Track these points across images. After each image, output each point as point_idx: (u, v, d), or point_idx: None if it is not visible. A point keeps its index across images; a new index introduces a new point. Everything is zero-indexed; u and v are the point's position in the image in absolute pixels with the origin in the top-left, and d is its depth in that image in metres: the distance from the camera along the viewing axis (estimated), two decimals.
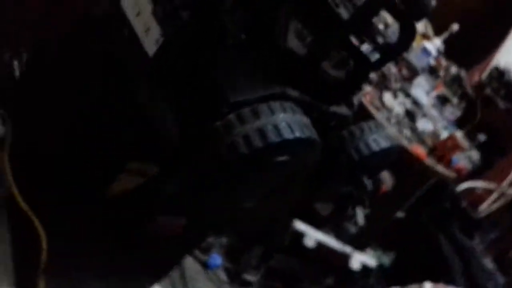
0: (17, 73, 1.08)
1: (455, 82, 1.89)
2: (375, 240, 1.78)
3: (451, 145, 1.40)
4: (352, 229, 1.81)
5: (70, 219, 0.85)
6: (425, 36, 1.92)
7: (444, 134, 1.49)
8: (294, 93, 0.75)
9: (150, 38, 0.75)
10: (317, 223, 1.78)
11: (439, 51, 2.01)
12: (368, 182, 0.97)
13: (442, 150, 1.40)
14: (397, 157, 1.00)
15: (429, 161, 1.40)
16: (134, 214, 0.91)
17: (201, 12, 0.70)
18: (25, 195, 0.89)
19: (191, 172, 0.69)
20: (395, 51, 0.81)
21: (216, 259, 1.48)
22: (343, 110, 0.92)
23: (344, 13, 0.70)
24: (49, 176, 0.90)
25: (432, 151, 1.42)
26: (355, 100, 1.00)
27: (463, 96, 1.88)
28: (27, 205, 0.88)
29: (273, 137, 0.63)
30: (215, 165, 0.64)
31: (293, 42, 0.74)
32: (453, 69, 2.06)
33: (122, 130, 0.84)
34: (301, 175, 0.78)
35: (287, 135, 0.64)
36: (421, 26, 2.10)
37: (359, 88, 0.87)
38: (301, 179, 0.79)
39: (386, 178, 1.73)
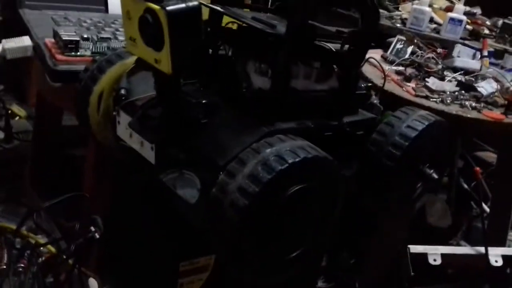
0: (97, 235, 1.15)
1: (506, 32, 1.73)
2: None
3: None
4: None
5: None
6: (449, 9, 1.82)
7: None
8: (287, 125, 0.72)
9: (146, 149, 0.78)
10: (444, 239, 1.62)
11: (472, 14, 1.88)
12: (432, 172, 0.87)
13: None
14: (449, 130, 0.90)
15: (511, 119, 1.24)
16: None
17: (165, 103, 0.73)
18: None
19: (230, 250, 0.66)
20: (367, 32, 0.76)
21: None
22: (361, 115, 0.88)
23: (282, 29, 0.68)
24: None
25: (508, 107, 1.27)
26: (375, 100, 0.95)
27: None
28: None
29: (266, 175, 0.60)
30: (235, 231, 0.61)
31: (258, 81, 0.73)
32: (499, 22, 1.90)
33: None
34: (340, 196, 0.72)
35: (280, 166, 0.60)
36: (442, 1, 2.00)
37: (356, 86, 0.82)
38: (342, 200, 0.72)
39: None
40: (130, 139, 0.82)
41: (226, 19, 0.80)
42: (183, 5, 0.62)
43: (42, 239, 1.17)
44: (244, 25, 0.74)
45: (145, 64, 0.69)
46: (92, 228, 1.16)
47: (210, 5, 0.73)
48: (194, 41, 0.64)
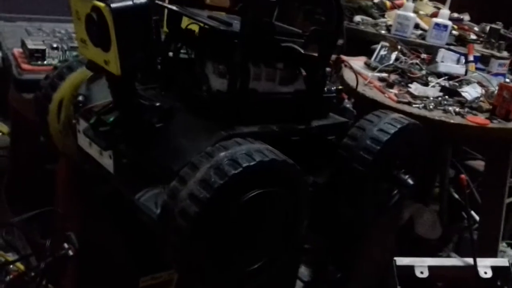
0: (70, 253, 1.11)
1: (493, 37, 1.70)
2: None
3: (509, 94, 1.20)
4: (474, 236, 1.56)
5: None
6: (435, 15, 1.79)
7: None
8: (248, 129, 0.69)
9: (105, 158, 0.74)
10: (434, 251, 1.57)
11: (459, 20, 1.86)
12: (407, 177, 0.83)
13: (501, 105, 1.21)
14: (426, 135, 0.86)
15: (496, 124, 1.20)
16: None
17: (119, 107, 0.69)
18: None
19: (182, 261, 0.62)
20: (331, 31, 0.73)
21: None
22: (332, 119, 0.84)
23: (238, 27, 0.65)
24: None
25: (493, 112, 1.23)
26: (347, 104, 0.92)
27: (510, 45, 1.67)
28: None
29: (218, 180, 0.56)
30: (186, 241, 0.57)
31: (216, 83, 0.69)
32: (487, 28, 1.88)
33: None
34: (304, 202, 0.67)
35: (233, 170, 0.56)
36: (429, 8, 1.98)
37: (323, 89, 0.78)
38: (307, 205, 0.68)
39: None
40: (90, 148, 0.78)
41: (186, 22, 0.77)
42: (129, 2, 0.59)
43: (12, 257, 1.13)
44: (202, 25, 0.71)
45: (96, 67, 0.66)
46: (66, 245, 1.12)
47: (165, 4, 0.70)
48: (143, 40, 0.61)
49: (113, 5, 0.58)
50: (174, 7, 0.69)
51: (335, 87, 0.84)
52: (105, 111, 0.72)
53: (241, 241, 0.61)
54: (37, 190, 1.49)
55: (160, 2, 0.70)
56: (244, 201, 0.58)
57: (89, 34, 0.62)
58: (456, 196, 1.70)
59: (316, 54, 0.76)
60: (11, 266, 1.09)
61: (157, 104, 0.66)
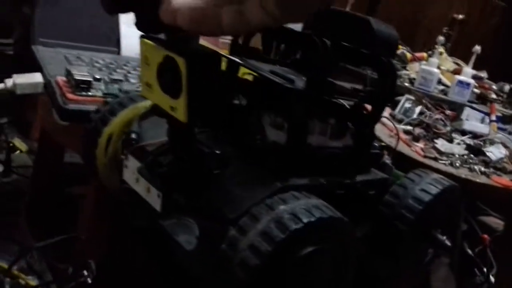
0: (89, 280, 1.11)
1: None
2: None
3: None
4: None
5: None
6: (457, 71, 1.84)
7: None
8: (301, 181, 0.70)
9: (152, 196, 0.75)
10: None
11: (479, 78, 1.90)
12: (445, 239, 0.85)
13: None
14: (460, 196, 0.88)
15: None
16: None
17: (177, 152, 0.71)
18: None
19: None
20: (385, 92, 0.75)
21: None
22: (374, 175, 0.86)
23: (300, 83, 0.67)
24: None
25: None
26: (387, 160, 0.93)
27: None
28: None
29: (280, 234, 0.57)
30: None
31: (272, 134, 0.71)
32: (506, 87, 1.92)
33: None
34: (352, 259, 0.69)
35: (294, 225, 0.58)
36: (449, 63, 2.03)
37: (371, 146, 0.80)
38: (353, 264, 0.69)
39: None
40: (136, 184, 0.79)
41: (241, 70, 0.80)
42: (202, 55, 0.61)
43: (32, 281, 1.13)
44: (263, 79, 0.73)
45: (160, 110, 0.67)
46: (85, 273, 1.12)
47: (230, 57, 0.72)
48: (212, 90, 0.63)
49: (188, 59, 0.60)
50: (237, 59, 0.72)
51: (378, 143, 0.86)
52: (160, 152, 0.73)
53: None
54: (57, 214, 1.50)
55: (224, 54, 0.73)
56: (300, 256, 0.60)
57: (160, 82, 0.64)
58: (469, 251, 1.70)
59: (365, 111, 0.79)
60: None
61: (218, 152, 0.68)
